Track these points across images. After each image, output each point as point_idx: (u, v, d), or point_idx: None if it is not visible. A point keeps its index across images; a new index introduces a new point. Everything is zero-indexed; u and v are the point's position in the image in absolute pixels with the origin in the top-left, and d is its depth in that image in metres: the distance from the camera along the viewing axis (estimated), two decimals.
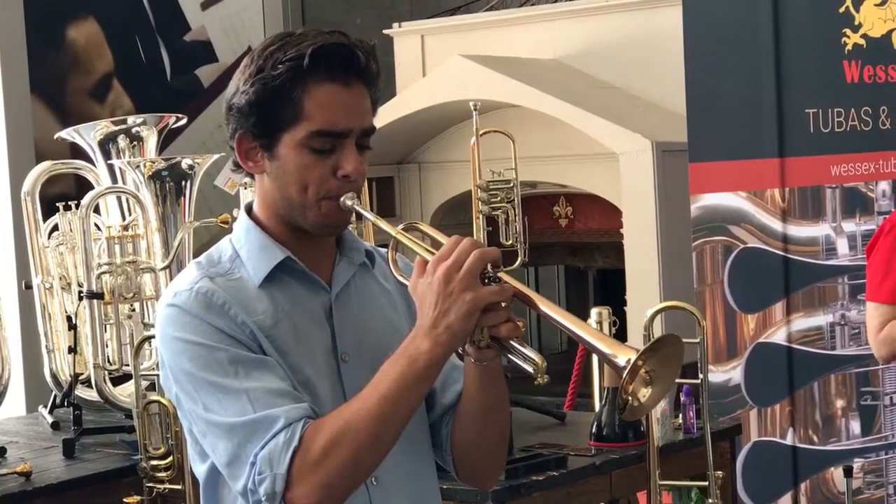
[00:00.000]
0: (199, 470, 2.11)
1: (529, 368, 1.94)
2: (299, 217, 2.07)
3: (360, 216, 2.12)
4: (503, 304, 1.93)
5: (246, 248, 2.10)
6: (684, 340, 3.93)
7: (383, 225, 2.10)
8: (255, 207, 2.14)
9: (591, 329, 1.94)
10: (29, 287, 4.82)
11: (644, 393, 1.88)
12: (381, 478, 2.07)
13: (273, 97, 2.03)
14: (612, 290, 7.40)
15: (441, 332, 1.92)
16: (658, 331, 4.03)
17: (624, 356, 1.85)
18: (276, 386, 1.98)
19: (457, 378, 2.16)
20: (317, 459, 1.92)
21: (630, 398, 1.87)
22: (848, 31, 5.01)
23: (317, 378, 2.06)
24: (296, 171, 2.04)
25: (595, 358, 4.93)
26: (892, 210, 4.98)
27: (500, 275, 1.94)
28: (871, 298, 3.87)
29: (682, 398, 4.13)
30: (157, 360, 4.05)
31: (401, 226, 2.10)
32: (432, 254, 1.97)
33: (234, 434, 1.97)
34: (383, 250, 2.25)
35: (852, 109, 5.02)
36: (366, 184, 4.55)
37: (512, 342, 1.95)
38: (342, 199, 2.04)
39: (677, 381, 4.41)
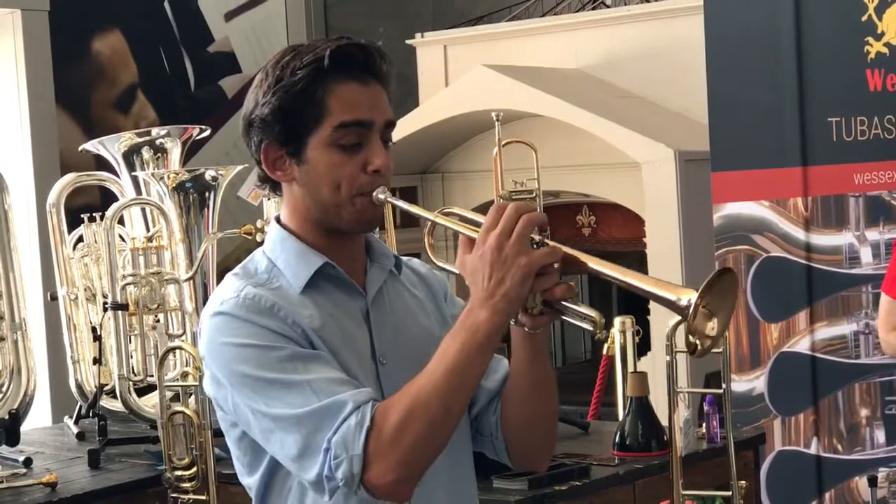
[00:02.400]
0: (249, 482, 2.12)
1: (588, 326, 1.96)
2: (333, 218, 2.09)
3: (381, 214, 2.12)
4: (555, 266, 1.95)
5: (282, 258, 2.12)
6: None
7: (419, 211, 2.12)
8: (285, 217, 2.16)
9: (646, 277, 1.95)
10: (54, 298, 4.85)
11: (710, 326, 1.90)
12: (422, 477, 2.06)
13: (296, 101, 2.06)
14: (635, 300, 7.39)
15: (498, 300, 1.93)
16: (680, 341, 4.02)
17: (686, 296, 1.87)
18: (336, 375, 2.00)
19: (496, 367, 2.18)
20: (391, 437, 1.93)
21: (697, 340, 1.89)
22: (871, 40, 5.00)
23: (364, 379, 2.07)
24: (326, 170, 2.06)
25: (619, 367, 4.91)
26: None
27: (546, 239, 1.96)
28: (887, 291, 3.89)
29: (705, 407, 4.13)
30: (181, 371, 4.10)
31: (437, 211, 2.12)
32: (475, 230, 1.99)
33: (303, 424, 1.97)
34: (405, 258, 2.28)
35: (875, 118, 5.00)
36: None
37: (566, 303, 1.98)
38: (375, 193, 2.07)
39: (701, 391, 4.42)
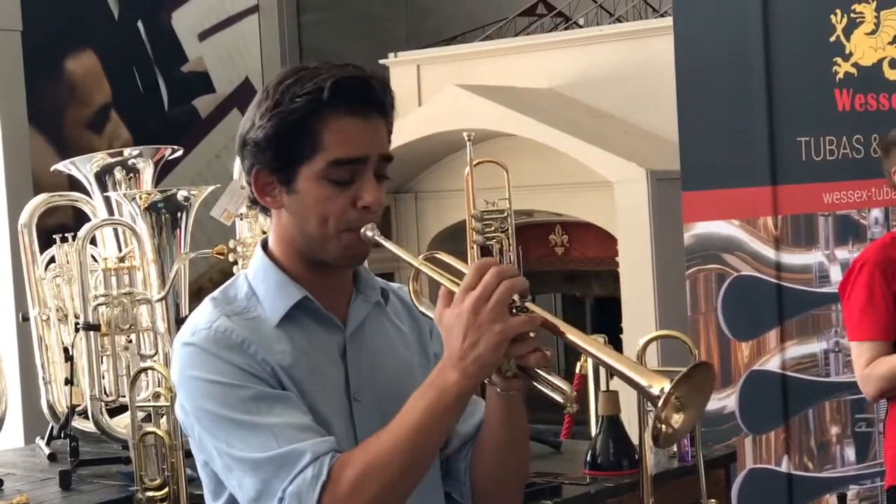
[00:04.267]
0: (239, 497, 2.08)
1: (558, 398, 1.92)
2: (319, 251, 2.05)
3: (378, 246, 2.07)
4: (531, 334, 1.91)
5: (263, 287, 2.09)
6: (676, 369, 3.93)
7: (404, 255, 2.07)
8: (272, 244, 2.12)
9: (622, 357, 1.92)
10: (26, 319, 4.83)
11: (676, 419, 1.86)
12: None
13: (291, 130, 2.01)
14: (609, 318, 7.43)
15: (469, 363, 1.89)
16: (651, 359, 4.04)
17: (658, 385, 1.82)
18: (300, 421, 1.97)
19: (473, 410, 2.14)
20: (346, 494, 1.91)
21: (663, 426, 1.85)
22: (839, 60, 5.04)
23: (333, 419, 2.04)
24: (315, 204, 2.02)
25: (591, 385, 4.94)
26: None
27: (526, 304, 1.92)
28: (852, 338, 3.84)
29: None
30: (153, 392, 4.09)
31: (421, 256, 2.09)
32: (456, 283, 1.95)
33: (261, 469, 1.95)
34: (395, 285, 2.25)
35: (844, 137, 5.05)
36: None
37: (539, 371, 1.93)
38: (363, 230, 2.03)
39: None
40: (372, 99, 2.04)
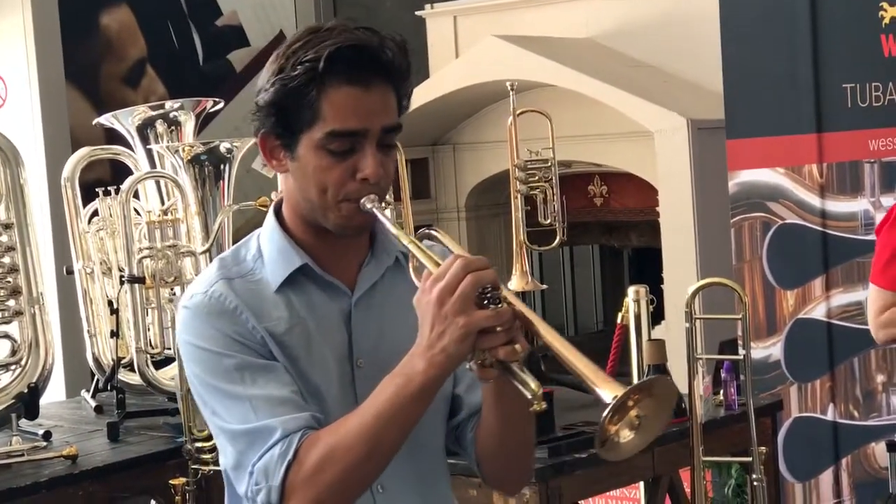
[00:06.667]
0: (222, 462, 2.11)
1: (527, 394, 1.86)
2: (321, 218, 2.04)
3: (370, 220, 2.03)
4: (498, 329, 1.87)
5: (268, 250, 2.09)
6: (726, 317, 3.92)
7: (396, 231, 2.03)
8: (283, 207, 2.12)
9: (585, 360, 1.84)
10: (70, 272, 4.84)
11: (626, 435, 1.82)
12: (387, 486, 2.07)
13: (291, 98, 1.99)
14: (647, 269, 7.41)
15: (437, 353, 1.88)
16: (698, 308, 4.02)
17: (611, 392, 1.78)
18: (280, 394, 1.99)
19: None
20: (309, 474, 1.93)
21: (612, 435, 1.81)
22: (885, 5, 4.98)
23: (326, 386, 2.05)
24: (314, 173, 2.01)
25: (633, 336, 4.92)
26: None
27: (505, 294, 1.89)
28: (873, 281, 3.86)
29: (723, 374, 4.13)
30: None
31: (419, 232, 2.07)
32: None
33: (237, 441, 1.99)
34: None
35: (890, 83, 5.00)
36: (403, 165, 4.58)
37: (510, 365, 1.89)
38: (362, 201, 2.00)
39: (720, 357, 4.42)
40: (373, 67, 1.99)
